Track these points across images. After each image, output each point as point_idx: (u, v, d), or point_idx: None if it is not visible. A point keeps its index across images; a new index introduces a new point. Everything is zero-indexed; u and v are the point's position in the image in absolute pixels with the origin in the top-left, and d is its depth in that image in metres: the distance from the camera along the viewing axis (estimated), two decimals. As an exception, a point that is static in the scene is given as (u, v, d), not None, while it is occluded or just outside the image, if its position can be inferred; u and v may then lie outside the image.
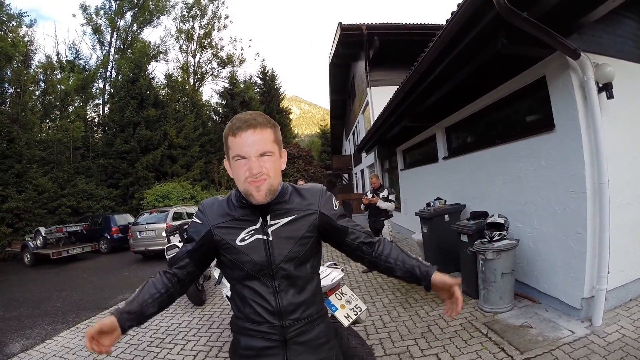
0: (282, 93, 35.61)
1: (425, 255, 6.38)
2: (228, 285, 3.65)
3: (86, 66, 25.98)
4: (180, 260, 1.36)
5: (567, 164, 3.74)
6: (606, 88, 3.39)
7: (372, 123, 13.52)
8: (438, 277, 1.25)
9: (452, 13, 3.65)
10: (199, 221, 1.34)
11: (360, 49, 13.73)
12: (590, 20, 3.27)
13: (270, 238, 1.26)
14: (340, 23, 12.91)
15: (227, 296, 3.74)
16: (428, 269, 1.28)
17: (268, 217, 1.27)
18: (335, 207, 1.39)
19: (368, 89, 14.16)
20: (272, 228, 1.27)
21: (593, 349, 3.05)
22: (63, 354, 4.10)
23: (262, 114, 1.23)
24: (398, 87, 6.19)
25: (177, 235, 6.39)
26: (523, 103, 4.73)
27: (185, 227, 6.67)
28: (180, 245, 5.45)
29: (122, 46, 27.18)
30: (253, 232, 1.27)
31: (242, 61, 33.50)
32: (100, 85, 26.18)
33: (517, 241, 4.25)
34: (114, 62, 26.15)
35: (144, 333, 4.50)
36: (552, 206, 4.03)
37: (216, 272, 4.12)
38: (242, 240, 1.27)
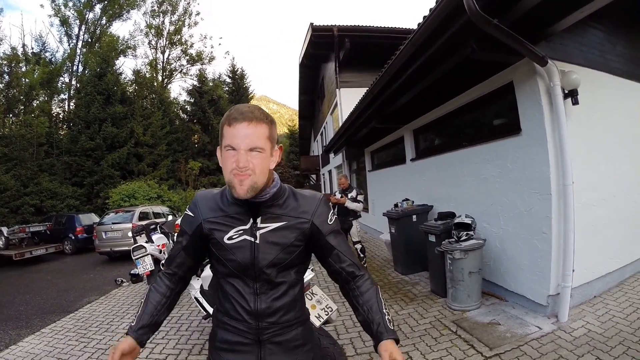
0: (251, 93, 35.20)
1: (394, 255, 6.49)
2: (196, 287, 3.56)
3: (52, 59, 24.67)
4: (177, 258, 1.38)
5: (533, 166, 3.89)
6: (572, 94, 3.56)
7: (340, 124, 13.65)
8: (386, 347, 1.16)
9: (424, 17, 3.70)
10: (191, 214, 1.34)
11: (330, 50, 13.80)
12: (558, 29, 3.42)
13: (257, 241, 1.25)
14: (311, 24, 12.92)
15: (195, 298, 3.67)
16: (384, 332, 1.21)
17: (259, 219, 1.26)
18: (330, 221, 1.35)
19: (337, 90, 14.25)
20: (261, 231, 1.26)
21: (560, 344, 3.18)
22: None
23: (260, 109, 1.21)
24: (368, 88, 6.24)
25: (143, 235, 6.21)
26: (491, 107, 4.88)
27: (152, 227, 6.48)
28: (148, 246, 5.31)
29: (90, 40, 26.03)
30: (242, 232, 1.26)
31: (211, 59, 33.02)
32: (67, 80, 25.00)
33: (484, 241, 4.39)
34: (81, 56, 24.99)
35: (112, 337, 4.36)
36: (518, 207, 4.18)
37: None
38: (230, 238, 1.26)
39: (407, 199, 6.73)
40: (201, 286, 3.57)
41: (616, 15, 2.95)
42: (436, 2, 3.38)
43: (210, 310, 3.33)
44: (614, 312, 3.65)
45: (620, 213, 4.31)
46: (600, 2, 2.83)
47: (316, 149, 26.87)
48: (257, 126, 1.15)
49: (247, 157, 1.13)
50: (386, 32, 12.46)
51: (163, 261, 5.64)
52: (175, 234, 3.94)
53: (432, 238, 5.01)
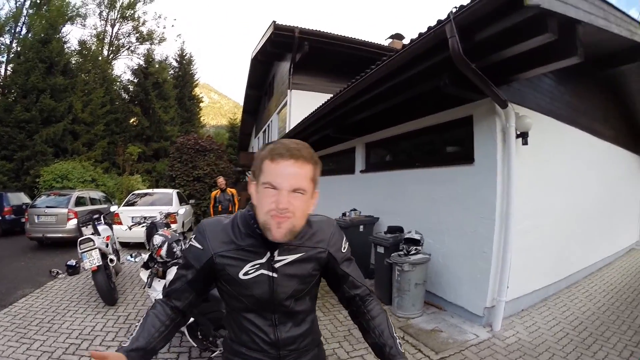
0: (196, 80, 34.01)
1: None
2: (158, 289, 3.50)
3: None
4: (181, 292, 1.26)
5: (481, 193, 4.39)
6: (523, 136, 4.12)
7: (288, 124, 13.76)
8: None
9: (404, 45, 3.99)
10: (199, 246, 1.22)
11: (288, 51, 13.86)
12: (521, 78, 3.95)
13: (275, 275, 1.19)
14: (274, 22, 12.87)
15: (155, 300, 3.58)
16: (396, 354, 1.23)
17: (276, 252, 1.19)
18: (344, 249, 1.33)
19: (289, 90, 14.34)
20: (279, 264, 1.19)
21: (495, 350, 3.68)
22: None
23: (308, 147, 1.13)
24: (330, 95, 6.35)
25: (90, 226, 5.83)
26: (447, 135, 5.35)
27: (96, 216, 6.12)
28: (95, 238, 5.02)
29: (38, 1, 23.40)
30: (258, 266, 1.18)
31: (162, 40, 31.03)
32: (7, 41, 22.10)
33: (429, 255, 4.81)
34: (26, 17, 22.14)
35: (56, 338, 3.98)
36: (463, 227, 4.67)
37: (144, 275, 3.85)
38: (246, 274, 1.18)
39: (354, 209, 7.00)
40: (164, 288, 3.48)
41: (567, 67, 3.48)
42: (419, 35, 3.65)
43: None
44: (540, 324, 4.27)
45: (549, 239, 5.03)
46: (566, 62, 3.32)
47: (256, 145, 26.68)
48: (303, 166, 1.07)
49: (289, 199, 1.05)
50: (347, 41, 12.76)
51: (111, 256, 5.40)
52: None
53: (380, 250, 5.34)
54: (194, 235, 1.26)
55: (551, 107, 5.01)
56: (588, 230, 6.14)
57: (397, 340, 1.28)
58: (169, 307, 1.27)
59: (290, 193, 1.05)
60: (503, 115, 4.10)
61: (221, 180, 8.45)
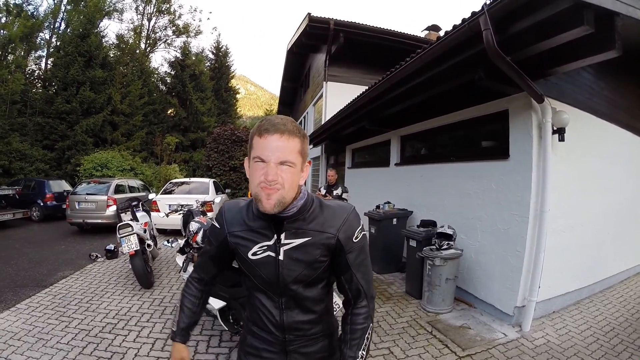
0: (233, 71, 34.66)
1: (371, 254, 6.79)
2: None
3: (35, 13, 22.88)
4: (205, 265, 1.46)
5: (515, 190, 4.28)
6: (560, 132, 3.96)
7: (324, 116, 13.76)
8: None
9: (438, 38, 3.93)
10: (217, 225, 1.34)
11: (323, 43, 13.84)
12: (558, 72, 3.79)
13: (281, 257, 1.23)
14: (309, 14, 12.86)
15: (187, 278, 3.70)
16: None
17: (282, 235, 1.22)
18: (356, 238, 1.28)
19: (324, 82, 14.35)
20: (285, 248, 1.22)
21: (523, 350, 3.61)
22: (7, 339, 3.60)
23: (293, 122, 1.16)
24: (366, 87, 6.34)
25: (128, 212, 6.07)
26: (482, 129, 5.24)
27: (134, 203, 6.38)
28: (134, 224, 5.26)
29: None
30: (265, 247, 1.24)
31: (198, 33, 31.91)
32: (47, 37, 23.32)
33: (462, 251, 4.75)
34: (65, 13, 23.23)
35: (93, 317, 4.22)
36: (496, 224, 4.57)
37: (180, 259, 4.00)
38: (254, 254, 1.25)
39: (388, 202, 7.01)
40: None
41: (606, 61, 3.32)
42: (453, 27, 3.58)
43: None
44: (570, 327, 4.14)
45: (584, 240, 4.82)
46: (603, 56, 3.16)
47: (292, 136, 26.84)
48: (289, 139, 1.11)
49: (277, 171, 1.09)
50: (382, 33, 12.59)
51: (148, 241, 5.65)
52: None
53: (413, 243, 5.33)
54: (215, 216, 1.38)
55: (590, 102, 4.78)
56: (625, 232, 5.83)
57: (359, 359, 1.30)
58: (197, 280, 1.48)
59: (278, 166, 1.10)
60: (539, 110, 3.96)
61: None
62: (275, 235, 1.23)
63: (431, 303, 4.68)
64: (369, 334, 1.34)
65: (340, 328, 1.43)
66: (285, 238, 1.23)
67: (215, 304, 3.30)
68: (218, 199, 8.38)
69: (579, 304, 4.86)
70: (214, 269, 1.45)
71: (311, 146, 16.55)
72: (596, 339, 3.90)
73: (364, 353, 1.31)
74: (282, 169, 1.10)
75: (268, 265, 1.24)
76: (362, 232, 1.31)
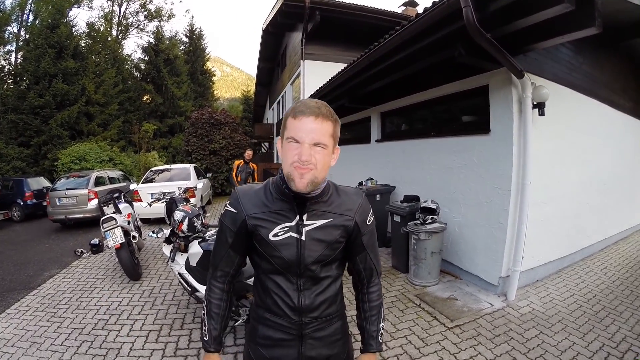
0: (207, 54, 33.88)
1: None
2: (181, 262, 3.64)
3: (1, 7, 21.68)
4: (225, 257, 1.38)
5: (496, 164, 4.37)
6: (540, 106, 4.04)
7: (302, 95, 13.68)
8: (368, 358, 1.42)
9: (417, 15, 3.86)
10: (233, 210, 1.31)
11: (299, 21, 13.59)
12: (538, 47, 3.82)
13: (303, 238, 1.25)
14: (284, -8, 12.65)
15: (179, 273, 3.65)
16: (373, 344, 1.41)
17: (304, 216, 1.25)
18: (369, 221, 1.37)
19: (302, 61, 14.17)
20: (307, 228, 1.25)
21: (509, 319, 3.76)
22: (0, 347, 3.51)
23: (327, 106, 1.19)
24: (344, 65, 6.26)
25: (111, 205, 5.96)
26: (462, 104, 5.28)
27: (116, 195, 6.27)
28: (117, 217, 5.18)
29: None
30: (287, 228, 1.25)
31: (170, 16, 31.05)
32: (15, 30, 22.20)
33: (445, 225, 4.86)
34: (32, 5, 22.14)
35: (85, 315, 4.16)
36: (478, 197, 4.68)
37: (167, 249, 3.95)
38: (276, 235, 1.25)
39: (371, 179, 7.08)
40: (187, 261, 3.57)
41: (585, 37, 3.36)
42: (433, 4, 3.52)
43: (197, 286, 3.40)
44: (554, 296, 4.32)
45: (565, 211, 4.99)
46: (584, 33, 3.20)
47: (271, 117, 26.59)
48: (323, 122, 1.13)
49: (310, 151, 1.12)
50: (359, 9, 12.43)
51: (133, 233, 5.58)
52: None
53: (397, 219, 5.42)
54: (228, 202, 1.36)
55: (569, 77, 4.87)
56: (605, 202, 6.05)
57: (381, 332, 1.44)
58: (220, 280, 1.41)
59: (312, 146, 1.12)
60: (519, 85, 4.01)
61: (248, 152, 8.76)
62: (297, 216, 1.25)
63: (418, 276, 4.80)
64: (382, 307, 1.48)
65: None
66: (308, 219, 1.26)
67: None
68: (200, 185, 8.31)
69: (561, 272, 5.06)
70: (236, 258, 1.39)
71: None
72: (579, 306, 4.08)
73: (383, 324, 1.46)
74: (315, 149, 1.13)
75: (290, 246, 1.25)
76: (373, 216, 1.40)
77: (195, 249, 3.48)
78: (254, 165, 8.67)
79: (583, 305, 4.09)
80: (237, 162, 8.69)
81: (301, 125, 1.12)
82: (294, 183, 1.15)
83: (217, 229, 3.94)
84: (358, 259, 1.40)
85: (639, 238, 7.11)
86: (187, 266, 3.55)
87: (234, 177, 8.50)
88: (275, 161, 23.34)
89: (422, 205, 4.98)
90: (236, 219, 1.31)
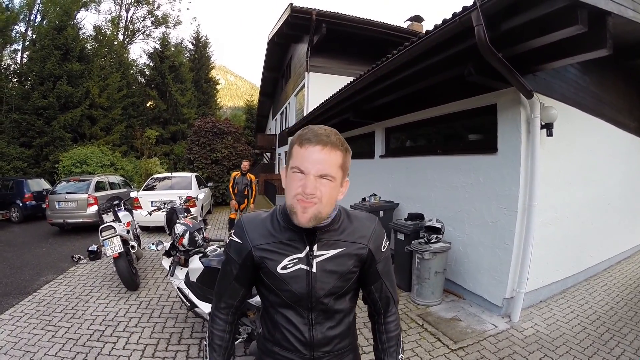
0: (212, 62, 34.09)
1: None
2: (181, 277, 3.57)
3: (9, 5, 21.67)
4: (230, 289, 1.29)
5: (503, 184, 4.33)
6: (548, 127, 4.01)
7: (306, 107, 13.72)
8: None
9: (427, 31, 3.82)
10: (238, 240, 1.22)
11: (305, 33, 13.72)
12: (548, 68, 3.82)
13: (314, 270, 1.17)
14: (291, 4, 12.71)
15: (178, 288, 3.58)
16: None
17: (315, 247, 1.17)
18: (384, 248, 1.29)
19: (307, 73, 14.28)
20: (318, 259, 1.17)
21: (514, 341, 3.69)
22: None
23: (337, 133, 1.10)
24: (348, 78, 6.31)
25: (110, 213, 5.89)
26: (469, 123, 5.26)
27: (116, 202, 6.19)
28: (116, 225, 5.10)
29: None
30: (297, 260, 1.16)
31: (177, 23, 31.19)
32: (22, 29, 22.19)
33: (450, 244, 4.80)
34: (41, 5, 22.13)
35: (80, 325, 4.04)
36: (484, 217, 4.62)
37: (166, 263, 3.87)
38: (284, 268, 1.16)
39: (374, 194, 7.03)
40: (187, 276, 3.50)
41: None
42: (444, 22, 3.51)
43: (197, 301, 3.32)
44: (558, 317, 4.25)
45: (569, 231, 4.94)
46: (595, 54, 3.19)
47: (273, 127, 26.70)
48: (331, 152, 1.05)
49: (316, 184, 1.03)
50: (365, 23, 12.58)
51: (132, 242, 5.51)
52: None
53: (401, 236, 5.34)
54: (233, 230, 1.27)
55: (576, 97, 4.86)
56: (609, 223, 6.01)
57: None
58: (223, 311, 1.31)
59: (317, 179, 1.04)
60: (528, 106, 4.00)
61: (245, 164, 8.55)
62: (307, 247, 1.17)
63: (421, 296, 4.72)
64: (401, 337, 1.38)
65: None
66: (318, 249, 1.17)
67: (206, 308, 3.24)
68: (201, 195, 8.27)
69: (565, 293, 4.99)
70: (241, 290, 1.29)
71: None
72: (583, 327, 4.01)
73: (402, 355, 1.35)
74: (321, 182, 1.05)
75: (299, 279, 1.17)
76: (388, 242, 1.31)
77: (196, 264, 3.40)
78: (252, 177, 8.55)
79: (587, 327, 4.03)
80: (233, 173, 8.57)
81: (307, 154, 1.04)
82: (296, 217, 1.07)
83: (218, 243, 3.88)
84: (373, 288, 1.31)
85: (641, 259, 7.05)
86: (187, 281, 3.47)
87: (230, 190, 8.42)
88: (277, 172, 23.36)
89: (427, 224, 4.92)
90: (241, 249, 1.21)
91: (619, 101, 6.10)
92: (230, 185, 8.42)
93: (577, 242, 5.16)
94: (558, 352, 3.49)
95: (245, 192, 8.34)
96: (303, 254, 1.17)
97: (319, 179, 1.04)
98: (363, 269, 1.26)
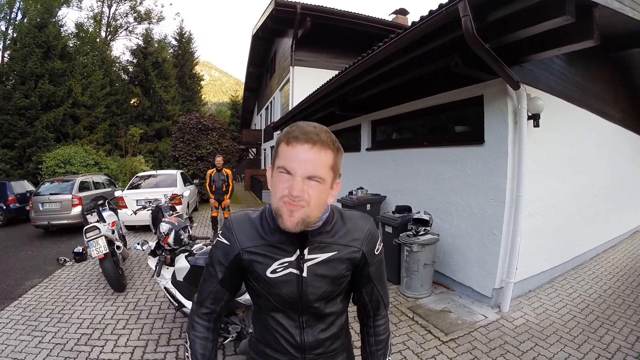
0: (196, 58, 33.65)
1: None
2: (167, 276, 3.50)
3: None
4: (214, 294, 1.21)
5: (490, 175, 4.34)
6: (535, 117, 4.03)
7: (291, 101, 13.64)
8: None
9: (413, 23, 3.76)
10: (226, 242, 1.16)
11: (289, 27, 13.61)
12: (535, 59, 3.82)
13: (304, 274, 1.11)
14: (275, -3, 12.64)
15: (165, 288, 3.52)
16: None
17: (305, 250, 1.11)
18: (377, 250, 1.22)
19: (291, 67, 14.18)
20: (309, 263, 1.11)
21: (504, 331, 3.72)
22: None
23: (327, 131, 1.02)
24: (334, 71, 6.19)
25: (94, 213, 5.76)
26: (456, 114, 5.25)
27: (100, 202, 6.03)
28: (101, 226, 4.99)
29: None
30: (287, 264, 1.11)
31: (160, 19, 30.77)
32: (3, 28, 21.70)
33: (438, 236, 4.81)
34: (21, 3, 21.62)
35: (67, 329, 3.95)
36: (472, 209, 4.64)
37: (152, 262, 3.80)
38: (274, 272, 1.11)
39: (361, 188, 6.99)
40: (173, 275, 3.44)
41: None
42: (430, 13, 3.47)
43: (184, 301, 3.27)
44: (547, 306, 4.30)
45: (557, 221, 4.99)
46: (581, 45, 3.20)
47: (259, 122, 26.52)
48: (320, 152, 0.97)
49: (303, 186, 0.96)
50: (350, 17, 12.51)
51: (117, 242, 5.38)
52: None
53: (389, 229, 5.33)
54: (220, 231, 1.20)
55: (562, 88, 4.89)
56: (595, 212, 6.11)
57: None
58: (205, 318, 1.23)
59: (305, 180, 0.96)
60: (515, 97, 4.00)
61: (219, 160, 8.38)
62: (298, 251, 1.10)
63: (410, 288, 4.73)
64: (390, 341, 1.34)
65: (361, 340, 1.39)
66: (309, 253, 1.11)
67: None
68: (187, 192, 8.14)
69: (553, 282, 5.06)
70: (225, 295, 1.21)
71: (279, 132, 16.37)
72: (573, 316, 4.06)
73: (390, 358, 1.33)
74: (309, 184, 0.97)
75: (289, 284, 1.11)
76: (381, 245, 1.25)
77: (182, 263, 3.34)
78: (228, 171, 8.41)
79: (577, 315, 4.08)
80: (209, 171, 8.44)
81: (295, 153, 0.96)
82: (282, 220, 0.99)
83: (204, 241, 3.80)
84: (364, 290, 1.26)
85: (628, 246, 7.21)
86: (174, 281, 3.41)
87: (208, 189, 8.32)
88: (263, 167, 23.23)
89: (414, 217, 4.91)
90: (228, 252, 1.15)
91: (604, 92, 6.19)
92: (207, 183, 8.30)
93: (565, 231, 5.22)
94: (549, 341, 3.52)
95: (224, 189, 8.26)
96: (293, 258, 1.11)
97: (307, 180, 0.96)
98: (355, 271, 1.21)
